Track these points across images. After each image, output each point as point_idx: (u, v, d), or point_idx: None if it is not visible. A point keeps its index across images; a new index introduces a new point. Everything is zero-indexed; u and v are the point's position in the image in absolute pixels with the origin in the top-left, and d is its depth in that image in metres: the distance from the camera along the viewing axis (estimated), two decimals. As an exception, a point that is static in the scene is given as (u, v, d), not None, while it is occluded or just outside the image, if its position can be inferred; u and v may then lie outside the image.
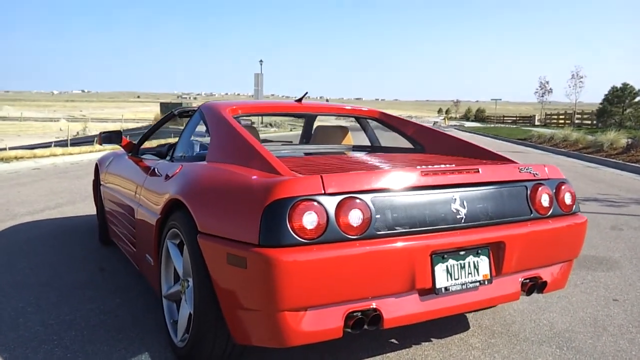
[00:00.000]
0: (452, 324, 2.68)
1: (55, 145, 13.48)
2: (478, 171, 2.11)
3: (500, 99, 50.13)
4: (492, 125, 38.95)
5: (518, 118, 50.77)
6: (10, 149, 12.30)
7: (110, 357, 2.27)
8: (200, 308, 1.98)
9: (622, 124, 26.19)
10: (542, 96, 49.61)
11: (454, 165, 2.18)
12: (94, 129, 28.70)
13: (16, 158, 10.94)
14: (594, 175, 9.99)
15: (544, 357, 2.33)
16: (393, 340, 2.49)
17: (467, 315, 2.80)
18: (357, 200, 1.82)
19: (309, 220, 1.73)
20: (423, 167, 2.05)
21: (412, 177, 1.95)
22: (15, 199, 6.39)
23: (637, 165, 10.84)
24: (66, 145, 13.98)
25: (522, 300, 3.04)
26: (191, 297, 2.10)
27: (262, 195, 1.77)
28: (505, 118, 54.99)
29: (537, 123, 40.34)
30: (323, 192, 1.77)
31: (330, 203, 1.77)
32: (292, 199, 1.73)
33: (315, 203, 1.75)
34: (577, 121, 31.70)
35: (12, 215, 5.40)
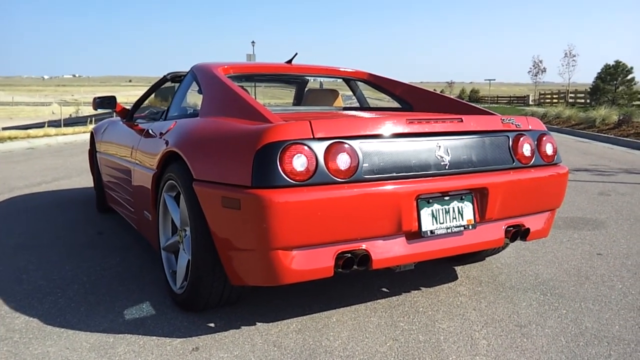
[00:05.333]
0: (441, 275, 2.79)
1: (48, 126, 13.45)
2: (461, 120, 2.19)
3: (494, 79, 50.04)
4: (486, 105, 39.05)
5: (512, 98, 50.74)
6: (4, 129, 12.28)
7: (113, 306, 2.37)
8: (197, 253, 2.07)
9: (615, 102, 26.26)
10: (536, 75, 49.56)
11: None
12: (87, 112, 28.55)
13: (10, 138, 10.93)
14: (586, 149, 10.11)
15: (528, 302, 2.44)
16: (384, 289, 2.59)
17: (456, 267, 2.91)
18: (345, 145, 1.90)
19: (299, 163, 1.81)
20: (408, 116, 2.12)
21: (398, 124, 2.03)
22: (12, 175, 6.44)
23: (628, 139, 10.95)
24: (60, 126, 13.97)
25: (509, 254, 3.15)
26: (189, 245, 2.19)
27: (254, 139, 1.85)
28: (499, 98, 54.94)
29: (531, 103, 40.39)
30: (312, 136, 1.85)
31: (319, 147, 1.85)
32: (282, 142, 1.81)
33: (305, 147, 1.83)
34: (570, 100, 31.75)
35: (9, 188, 5.45)
